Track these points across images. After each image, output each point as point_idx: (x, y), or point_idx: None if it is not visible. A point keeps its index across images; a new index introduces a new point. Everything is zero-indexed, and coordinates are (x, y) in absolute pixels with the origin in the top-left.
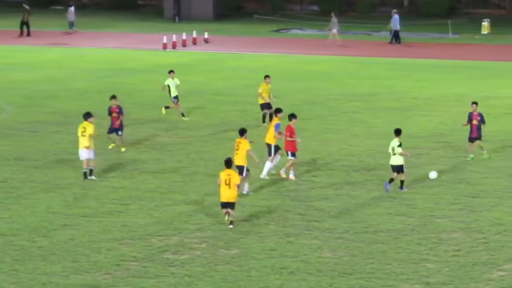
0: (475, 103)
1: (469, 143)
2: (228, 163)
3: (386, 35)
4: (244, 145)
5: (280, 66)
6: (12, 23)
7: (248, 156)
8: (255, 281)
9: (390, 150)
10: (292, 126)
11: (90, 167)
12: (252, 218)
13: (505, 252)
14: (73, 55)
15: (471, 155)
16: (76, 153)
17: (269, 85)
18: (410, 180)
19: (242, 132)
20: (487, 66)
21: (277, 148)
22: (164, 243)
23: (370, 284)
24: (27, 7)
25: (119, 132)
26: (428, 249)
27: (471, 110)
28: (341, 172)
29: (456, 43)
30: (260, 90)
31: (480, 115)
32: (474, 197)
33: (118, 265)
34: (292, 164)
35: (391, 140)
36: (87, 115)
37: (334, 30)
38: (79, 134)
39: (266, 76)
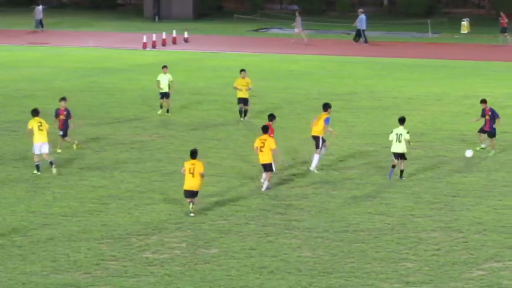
0: (484, 101)
1: (480, 134)
2: (193, 153)
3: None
4: (269, 143)
5: (259, 66)
6: None
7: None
8: (234, 280)
9: (392, 138)
10: (272, 127)
11: (50, 160)
12: (232, 217)
13: (485, 252)
14: (53, 54)
15: (482, 145)
16: (56, 152)
17: (246, 79)
18: (389, 180)
19: (266, 129)
20: (466, 65)
21: (323, 141)
22: (144, 242)
23: (349, 283)
24: None
25: (61, 133)
26: (408, 248)
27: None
28: (320, 171)
29: (435, 42)
30: (234, 85)
31: (492, 110)
32: (453, 196)
33: (97, 264)
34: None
35: (371, 139)
36: (36, 112)
37: (297, 30)
38: (36, 128)
39: (242, 70)
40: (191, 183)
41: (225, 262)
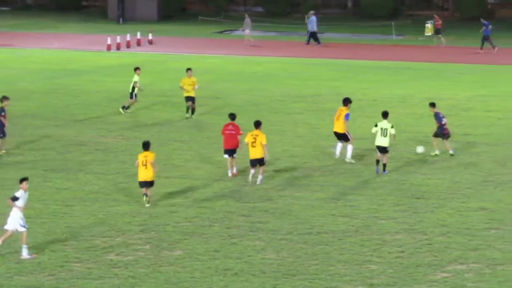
0: (432, 105)
1: (434, 138)
2: (146, 145)
3: (331, 36)
4: (261, 138)
5: (224, 67)
6: None
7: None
8: (199, 282)
9: (375, 131)
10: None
11: None
12: (196, 219)
13: (449, 254)
14: (18, 56)
15: (437, 152)
16: (20, 154)
17: (192, 78)
18: (353, 182)
19: (258, 124)
20: (430, 67)
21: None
22: (108, 244)
23: (313, 285)
24: None
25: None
26: (372, 251)
27: (434, 111)
28: (284, 173)
29: (399, 44)
30: (181, 84)
31: (436, 113)
32: (417, 198)
33: (62, 266)
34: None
35: (336, 141)
36: None
37: (247, 31)
38: None
39: (188, 69)
40: (145, 174)
41: (189, 264)
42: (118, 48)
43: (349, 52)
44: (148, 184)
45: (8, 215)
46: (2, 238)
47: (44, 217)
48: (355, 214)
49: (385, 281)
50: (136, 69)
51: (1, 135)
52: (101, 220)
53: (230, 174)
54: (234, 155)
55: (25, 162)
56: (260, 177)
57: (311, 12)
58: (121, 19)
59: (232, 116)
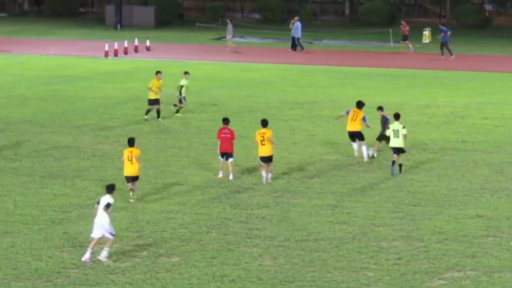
0: (380, 108)
1: (378, 142)
2: (131, 141)
3: (328, 43)
4: (269, 134)
5: (221, 74)
6: None
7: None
8: None
9: (389, 133)
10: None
11: None
12: (193, 226)
13: (446, 261)
14: (15, 62)
15: (375, 154)
16: (17, 160)
17: (160, 81)
18: (350, 189)
19: (266, 123)
20: (427, 75)
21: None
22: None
23: None
24: None
25: None
26: (369, 258)
27: (382, 114)
28: (281, 180)
29: (397, 51)
30: (149, 85)
31: (384, 117)
32: (415, 205)
33: (59, 272)
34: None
35: (333, 147)
36: None
37: (229, 36)
38: None
39: (158, 72)
40: (130, 169)
41: (186, 270)
42: (115, 54)
43: (346, 59)
44: (134, 179)
45: (93, 222)
46: (91, 246)
47: (41, 223)
48: (352, 221)
49: None
50: (186, 73)
51: None
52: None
53: (221, 175)
54: (230, 159)
55: (22, 168)
56: (269, 175)
57: (296, 18)
58: (118, 26)
59: (226, 121)
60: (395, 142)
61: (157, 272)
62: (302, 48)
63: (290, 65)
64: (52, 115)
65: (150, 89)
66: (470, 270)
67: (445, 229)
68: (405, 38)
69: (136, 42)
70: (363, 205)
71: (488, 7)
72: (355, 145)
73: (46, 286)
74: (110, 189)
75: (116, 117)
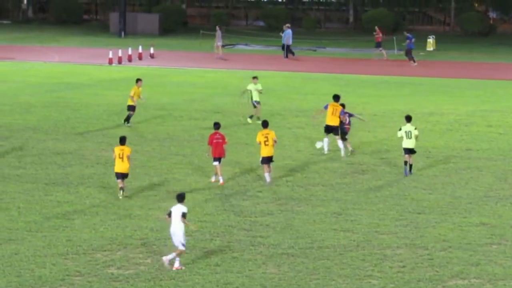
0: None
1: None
2: (122, 140)
3: (332, 50)
4: (272, 135)
5: (225, 81)
6: None
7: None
8: None
9: (401, 135)
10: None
11: None
12: (197, 233)
13: (450, 269)
14: (19, 69)
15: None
16: (21, 167)
17: (140, 89)
18: (354, 197)
19: (267, 124)
20: (431, 82)
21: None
22: (109, 258)
23: None
24: None
25: None
26: (373, 265)
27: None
28: (285, 188)
29: (401, 59)
30: (131, 93)
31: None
32: (418, 213)
33: (62, 280)
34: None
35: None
36: None
37: (219, 43)
38: None
39: (138, 80)
40: (121, 166)
41: (190, 278)
42: (119, 62)
43: (350, 67)
44: (124, 175)
45: (174, 234)
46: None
47: (45, 230)
48: (356, 228)
49: None
50: (254, 77)
51: None
52: (101, 234)
53: (213, 179)
54: (220, 163)
55: (26, 175)
56: (270, 175)
57: (287, 25)
58: (122, 33)
59: (217, 125)
60: (408, 143)
61: (161, 280)
62: (293, 54)
63: (293, 72)
64: (56, 122)
65: (131, 96)
66: (474, 278)
67: (449, 237)
68: (378, 45)
69: (140, 50)
70: (367, 212)
71: (492, 14)
72: (326, 139)
73: None
74: (181, 198)
75: (120, 124)
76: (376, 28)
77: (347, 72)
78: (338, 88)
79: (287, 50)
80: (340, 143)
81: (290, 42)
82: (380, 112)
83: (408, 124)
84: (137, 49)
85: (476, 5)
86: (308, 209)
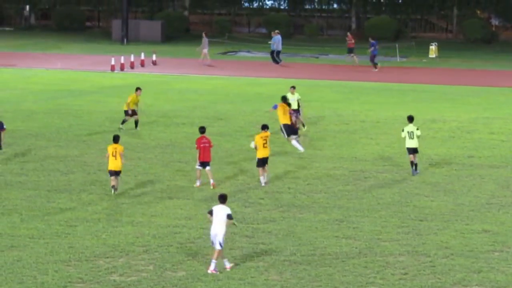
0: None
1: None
2: (115, 138)
3: (335, 58)
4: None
5: (227, 88)
6: None
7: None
8: None
9: (404, 135)
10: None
11: None
12: (199, 240)
13: (452, 276)
14: (21, 76)
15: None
16: (23, 174)
17: (138, 97)
18: (356, 204)
19: (266, 126)
20: (434, 89)
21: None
22: (111, 265)
23: None
24: None
25: None
26: (375, 273)
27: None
28: (288, 195)
29: (403, 66)
30: (128, 100)
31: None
32: (421, 220)
33: (65, 286)
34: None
35: (339, 162)
36: None
37: (205, 50)
38: None
39: (138, 89)
40: (114, 164)
41: (192, 285)
42: (121, 68)
43: (352, 74)
44: (117, 173)
45: (216, 234)
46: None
47: (47, 237)
48: (358, 236)
49: None
50: (292, 87)
51: None
52: (104, 241)
53: (198, 184)
54: (208, 167)
55: (28, 182)
56: (266, 177)
57: (276, 31)
58: (125, 40)
59: (203, 129)
60: (411, 143)
61: (163, 287)
62: (279, 62)
63: (296, 79)
64: (59, 129)
65: (127, 103)
66: (476, 285)
67: (451, 244)
68: (350, 51)
69: (142, 56)
70: (369, 220)
71: (494, 21)
72: (294, 140)
73: None
74: (224, 199)
75: (123, 131)
76: (348, 34)
77: (349, 79)
78: (342, 95)
79: (277, 56)
80: (294, 142)
81: (280, 48)
82: (382, 119)
83: (411, 125)
84: (140, 56)
85: (479, 12)
86: (310, 216)
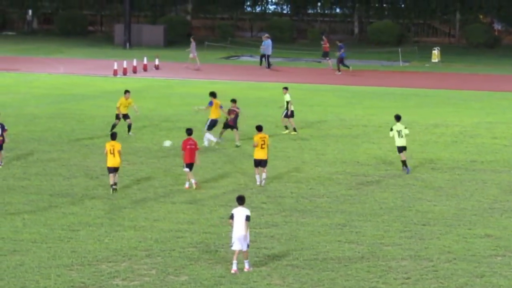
0: (234, 101)
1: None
2: (113, 136)
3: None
4: (267, 140)
5: (229, 93)
6: None
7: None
8: None
9: (392, 135)
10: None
11: None
12: (202, 245)
13: (455, 280)
14: (24, 80)
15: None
16: (26, 178)
17: (129, 100)
18: (359, 208)
19: (261, 128)
20: (436, 94)
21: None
22: (114, 269)
23: None
24: None
25: None
26: (378, 277)
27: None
28: (290, 199)
29: (406, 71)
30: (117, 104)
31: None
32: (423, 225)
33: None
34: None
35: (341, 167)
36: None
37: (192, 55)
38: None
39: (126, 91)
40: (112, 161)
41: None
42: (124, 73)
43: (355, 78)
44: (115, 169)
45: (240, 237)
46: (235, 257)
47: (50, 241)
48: (360, 240)
49: None
50: (284, 88)
51: None
52: (106, 245)
53: (187, 186)
54: (192, 169)
55: (31, 187)
56: (264, 177)
57: (266, 35)
58: (127, 44)
59: (189, 131)
60: (400, 142)
61: None
62: (269, 66)
63: (299, 84)
64: (61, 134)
65: (118, 108)
66: None
67: (454, 248)
68: (325, 54)
69: (145, 61)
70: (372, 224)
71: (497, 26)
72: (208, 135)
73: None
74: (242, 200)
75: (124, 135)
76: (324, 37)
77: (352, 83)
78: (344, 99)
79: (267, 60)
80: (209, 135)
81: (269, 52)
82: (385, 124)
83: (398, 123)
84: (142, 60)
85: (481, 17)
86: (313, 220)
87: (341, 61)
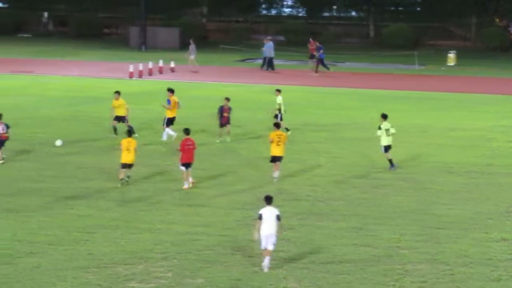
0: (227, 98)
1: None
2: (129, 132)
3: (352, 65)
4: (284, 137)
5: (244, 96)
6: None
7: None
8: None
9: (381, 133)
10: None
11: None
12: (218, 247)
13: (471, 284)
14: (38, 82)
15: (221, 139)
16: (42, 180)
17: (119, 101)
18: (375, 212)
19: (279, 125)
20: (452, 97)
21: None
22: (130, 271)
23: None
24: None
25: None
26: (394, 281)
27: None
28: (306, 203)
29: (422, 74)
30: (112, 105)
31: (230, 108)
32: (439, 228)
33: None
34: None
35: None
36: None
37: (192, 57)
38: None
39: (115, 92)
40: (127, 157)
41: None
42: (140, 75)
43: (370, 82)
44: (130, 166)
45: (269, 235)
46: (265, 254)
47: (66, 244)
48: (376, 243)
49: None
50: (276, 90)
51: None
52: (122, 248)
53: (186, 186)
54: (189, 169)
55: (46, 189)
56: (277, 173)
57: (268, 38)
58: (143, 47)
59: (187, 131)
60: (388, 141)
61: None
62: (273, 69)
63: (313, 87)
64: (76, 136)
65: (111, 110)
66: None
67: (470, 252)
68: (312, 56)
69: (160, 63)
70: (388, 227)
71: None
72: (169, 129)
73: None
74: (270, 200)
75: (138, 138)
76: (310, 39)
77: (367, 87)
78: (358, 103)
79: (268, 63)
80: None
81: (272, 54)
82: (399, 127)
83: (385, 122)
84: (158, 63)
85: (497, 20)
86: (328, 223)
87: (320, 61)
